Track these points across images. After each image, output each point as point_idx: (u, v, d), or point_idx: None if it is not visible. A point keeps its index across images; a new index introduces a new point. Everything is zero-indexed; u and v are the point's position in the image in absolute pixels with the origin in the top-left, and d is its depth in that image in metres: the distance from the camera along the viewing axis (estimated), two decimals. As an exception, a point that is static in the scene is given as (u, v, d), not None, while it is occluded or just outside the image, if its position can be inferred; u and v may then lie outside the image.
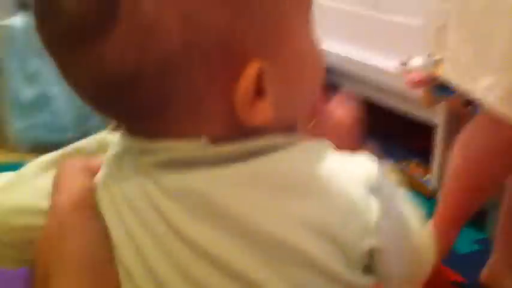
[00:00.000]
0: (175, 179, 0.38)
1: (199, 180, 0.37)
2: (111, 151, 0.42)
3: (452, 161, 1.19)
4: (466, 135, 1.16)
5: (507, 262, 1.21)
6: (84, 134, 0.50)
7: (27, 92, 1.81)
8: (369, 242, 0.38)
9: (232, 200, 0.37)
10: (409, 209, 0.44)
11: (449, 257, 1.35)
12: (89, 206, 0.41)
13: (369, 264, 0.40)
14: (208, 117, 0.38)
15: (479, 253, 1.39)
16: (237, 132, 0.38)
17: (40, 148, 2.03)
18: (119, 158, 0.41)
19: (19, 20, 1.81)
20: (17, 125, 1.84)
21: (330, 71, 1.46)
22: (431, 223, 1.23)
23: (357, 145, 0.50)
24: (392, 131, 1.41)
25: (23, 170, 0.48)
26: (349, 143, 0.50)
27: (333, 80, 1.65)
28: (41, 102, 1.82)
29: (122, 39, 0.34)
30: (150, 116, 0.38)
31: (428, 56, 1.26)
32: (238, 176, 0.37)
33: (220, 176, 0.37)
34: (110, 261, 0.39)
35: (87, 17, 0.34)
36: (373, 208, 0.38)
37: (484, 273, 1.26)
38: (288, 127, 0.41)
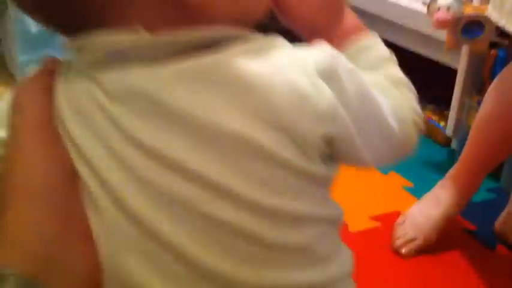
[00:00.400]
0: (116, 79, 0.37)
1: (141, 78, 0.36)
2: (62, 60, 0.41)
3: (484, 106, 1.13)
4: (502, 79, 1.11)
5: None
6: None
7: (34, 25, 1.75)
8: (322, 130, 0.38)
9: (178, 97, 0.36)
10: (376, 88, 0.42)
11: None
12: (47, 126, 0.38)
13: (332, 152, 0.39)
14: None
15: (493, 202, 1.36)
16: (178, 20, 0.37)
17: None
18: (67, 65, 0.40)
19: None
20: (22, 58, 1.79)
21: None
22: (449, 172, 1.20)
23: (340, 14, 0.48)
24: (410, 74, 1.37)
25: None
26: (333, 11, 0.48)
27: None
28: (47, 36, 1.76)
29: None
30: (82, 8, 0.37)
31: (456, -6, 1.19)
32: (181, 73, 0.36)
33: (162, 73, 0.36)
34: (70, 190, 0.37)
35: None
36: (324, 95, 0.37)
37: (498, 223, 1.23)
38: (240, 20, 0.39)
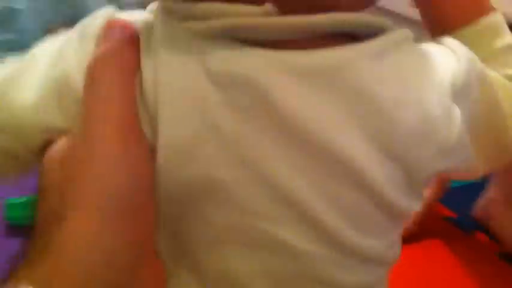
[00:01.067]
0: (226, 60, 0.31)
1: (255, 64, 0.30)
2: (148, 33, 0.33)
3: None
4: None
5: (504, 197, 1.16)
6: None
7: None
8: (443, 165, 0.34)
9: (291, 100, 0.30)
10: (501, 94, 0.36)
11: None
12: (134, 127, 0.31)
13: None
14: None
15: (471, 186, 1.34)
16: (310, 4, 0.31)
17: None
18: (148, 34, 0.33)
19: None
20: None
21: None
22: None
23: None
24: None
25: (34, 56, 0.37)
26: None
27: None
28: (5, 18, 1.67)
29: None
30: None
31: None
32: (302, 68, 0.30)
33: (282, 64, 0.30)
34: (148, 202, 0.31)
35: None
36: (455, 124, 0.33)
37: (478, 209, 1.21)
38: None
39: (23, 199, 1.07)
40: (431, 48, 0.34)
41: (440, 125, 0.32)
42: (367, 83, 0.31)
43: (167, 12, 0.33)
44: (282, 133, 0.31)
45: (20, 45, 1.73)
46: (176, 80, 0.31)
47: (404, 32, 0.33)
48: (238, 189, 0.31)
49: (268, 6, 0.30)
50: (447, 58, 0.34)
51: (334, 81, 0.30)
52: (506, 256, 1.11)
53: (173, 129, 0.31)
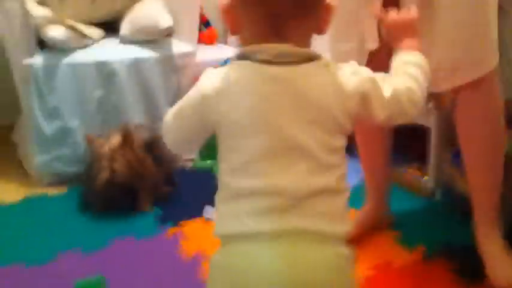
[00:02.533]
0: (273, 70, 0.71)
1: (281, 71, 0.71)
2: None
3: None
4: None
5: None
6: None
7: (48, 127, 1.87)
8: (349, 108, 0.73)
9: (304, 83, 0.70)
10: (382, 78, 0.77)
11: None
12: None
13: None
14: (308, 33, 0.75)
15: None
16: (302, 40, 0.74)
17: (60, 180, 1.90)
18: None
19: (39, 59, 1.85)
20: (39, 159, 1.86)
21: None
22: None
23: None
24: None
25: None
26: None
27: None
28: (60, 136, 1.87)
29: None
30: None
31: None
32: (306, 71, 0.71)
33: (298, 69, 0.71)
34: None
35: None
36: (352, 82, 0.73)
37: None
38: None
39: (92, 279, 1.15)
40: (339, 68, 0.74)
41: (350, 83, 0.73)
42: (306, 88, 0.71)
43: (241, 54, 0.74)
44: (297, 104, 0.71)
45: (74, 157, 1.90)
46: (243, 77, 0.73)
47: (325, 59, 0.73)
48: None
49: (291, 44, 0.72)
50: (349, 65, 0.76)
51: (290, 85, 0.71)
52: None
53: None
